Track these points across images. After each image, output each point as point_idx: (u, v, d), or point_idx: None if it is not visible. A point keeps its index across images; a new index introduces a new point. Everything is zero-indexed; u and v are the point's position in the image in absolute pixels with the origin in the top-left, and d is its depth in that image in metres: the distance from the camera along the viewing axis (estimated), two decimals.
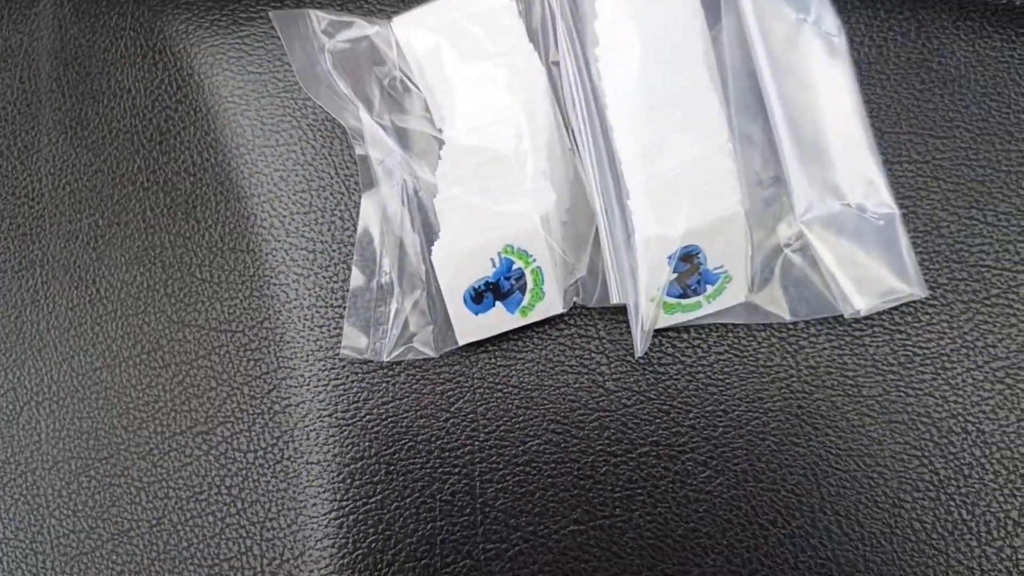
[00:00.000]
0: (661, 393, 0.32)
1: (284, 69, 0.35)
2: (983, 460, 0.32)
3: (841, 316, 0.32)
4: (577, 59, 0.32)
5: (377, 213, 0.31)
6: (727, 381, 0.32)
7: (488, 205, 0.30)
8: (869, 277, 0.31)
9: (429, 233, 0.31)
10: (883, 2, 0.35)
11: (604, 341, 0.33)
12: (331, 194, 0.33)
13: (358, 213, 0.33)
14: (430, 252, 0.30)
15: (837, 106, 0.32)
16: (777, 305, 0.32)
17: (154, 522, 0.33)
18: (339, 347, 0.32)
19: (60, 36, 0.37)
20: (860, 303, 0.31)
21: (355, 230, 0.33)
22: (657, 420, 0.32)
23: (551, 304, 0.31)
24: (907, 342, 0.33)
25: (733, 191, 0.31)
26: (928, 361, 0.33)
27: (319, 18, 0.32)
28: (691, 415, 0.32)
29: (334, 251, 0.33)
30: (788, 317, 0.32)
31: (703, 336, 0.33)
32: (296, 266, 0.33)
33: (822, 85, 0.32)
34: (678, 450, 0.32)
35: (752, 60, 0.32)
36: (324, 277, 0.33)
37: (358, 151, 0.32)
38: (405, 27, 0.32)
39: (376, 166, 0.31)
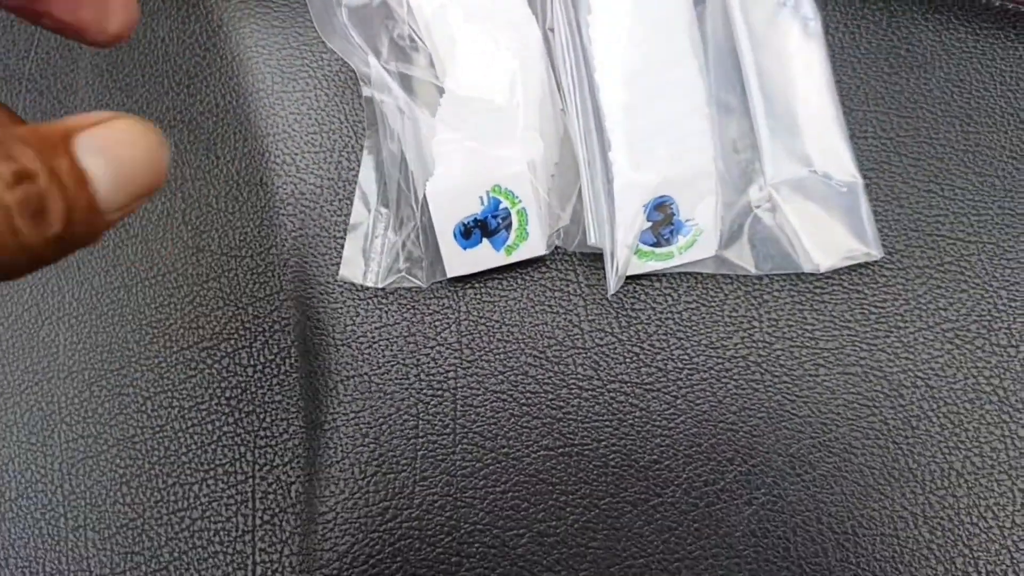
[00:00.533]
0: (632, 336, 0.35)
1: (304, 25, 0.38)
2: (930, 413, 0.34)
3: (803, 274, 0.35)
4: (571, 25, 0.35)
5: (378, 152, 0.34)
6: (694, 328, 0.35)
7: (481, 149, 0.33)
8: (831, 238, 0.34)
9: (425, 172, 0.34)
10: None
11: (582, 285, 0.35)
12: (340, 137, 0.36)
13: (362, 155, 0.36)
14: (425, 189, 0.33)
15: (809, 82, 0.35)
16: (744, 260, 0.35)
17: (157, 429, 0.35)
18: (337, 274, 0.35)
19: None
20: (821, 260, 0.34)
21: (359, 170, 0.36)
22: (627, 360, 0.35)
23: (534, 245, 0.34)
24: (864, 301, 0.35)
25: (706, 149, 0.34)
26: (883, 319, 0.35)
27: None
28: (659, 357, 0.35)
29: (339, 188, 0.36)
30: (754, 271, 0.35)
31: (674, 285, 0.35)
32: (304, 199, 0.36)
33: (797, 62, 0.35)
34: (645, 388, 0.34)
35: (733, 36, 0.36)
36: (328, 211, 0.36)
37: (365, 93, 0.35)
38: None
39: (380, 107, 0.34)
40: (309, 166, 0.36)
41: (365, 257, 0.34)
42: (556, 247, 0.35)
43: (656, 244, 0.34)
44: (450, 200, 0.33)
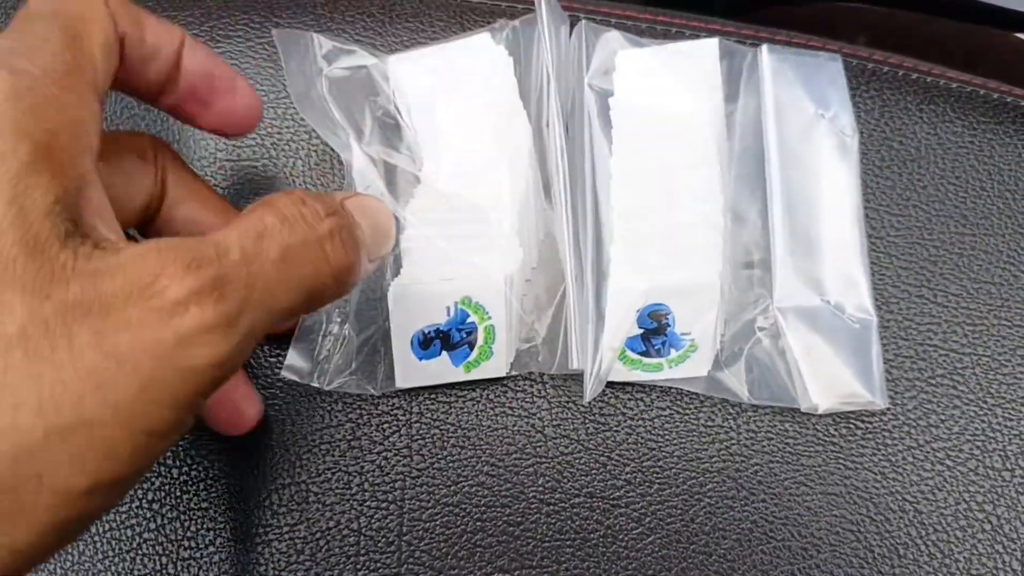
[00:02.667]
0: (600, 444, 0.32)
1: (256, 87, 0.35)
2: (918, 541, 0.32)
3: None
4: (581, 112, 0.32)
5: None
6: (667, 437, 0.32)
7: (455, 253, 0.30)
8: (833, 377, 0.32)
9: (394, 270, 0.31)
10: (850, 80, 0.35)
11: (547, 386, 0.32)
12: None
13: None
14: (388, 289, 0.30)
15: (837, 203, 0.33)
16: (738, 385, 0.32)
17: None
18: (278, 367, 0.32)
19: None
20: (820, 401, 0.31)
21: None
22: (594, 471, 0.32)
23: (497, 365, 0.31)
24: (849, 415, 0.33)
25: (713, 262, 0.31)
26: (869, 435, 0.33)
27: (321, 42, 0.32)
28: (628, 468, 0.32)
29: None
30: (746, 398, 0.32)
31: (647, 390, 0.32)
32: None
33: (827, 180, 0.33)
34: (612, 503, 0.31)
35: (762, 144, 0.33)
36: None
37: (347, 178, 0.31)
38: (402, 63, 0.32)
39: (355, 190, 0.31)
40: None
41: (313, 354, 0.31)
42: (528, 373, 0.32)
43: (645, 353, 0.31)
44: (413, 305, 0.30)
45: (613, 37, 0.33)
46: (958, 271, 0.34)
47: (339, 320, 0.31)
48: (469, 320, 0.30)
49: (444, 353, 0.31)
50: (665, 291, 0.30)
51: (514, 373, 0.32)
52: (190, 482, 0.31)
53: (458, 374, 0.31)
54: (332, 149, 0.34)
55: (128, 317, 0.18)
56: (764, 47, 0.34)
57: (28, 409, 0.18)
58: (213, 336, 0.19)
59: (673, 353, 0.31)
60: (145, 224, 0.27)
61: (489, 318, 0.30)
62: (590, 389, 0.30)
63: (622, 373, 0.31)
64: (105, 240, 0.20)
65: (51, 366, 0.18)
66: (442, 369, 0.31)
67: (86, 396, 0.18)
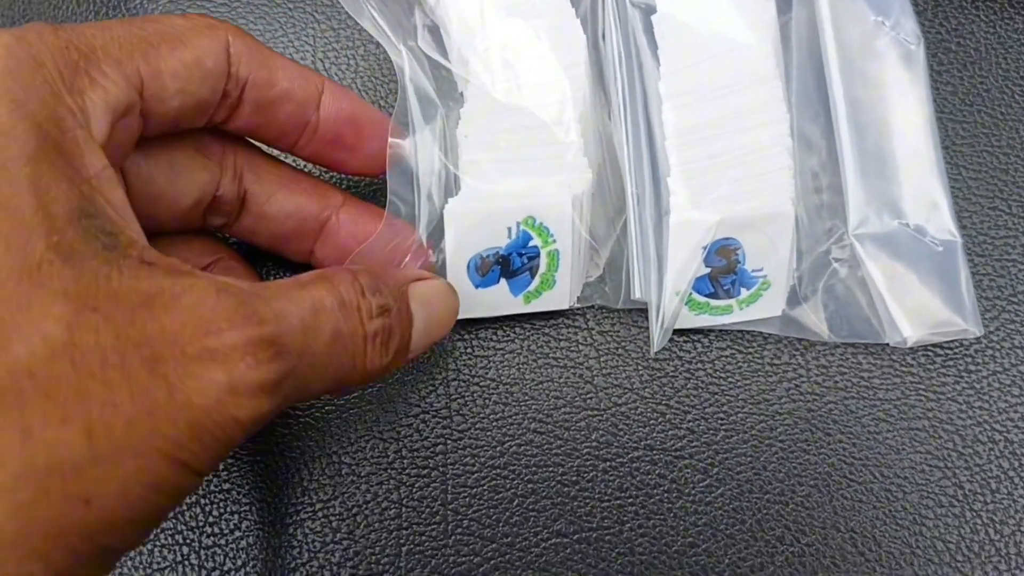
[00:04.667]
0: (656, 391, 0.29)
1: (248, 28, 0.32)
2: (1011, 473, 0.29)
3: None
4: (627, 32, 0.29)
5: (405, 160, 0.28)
6: (730, 380, 0.29)
7: (518, 170, 0.27)
8: (921, 306, 0.29)
9: (447, 188, 0.28)
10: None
11: (594, 332, 0.29)
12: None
13: (338, 178, 0.30)
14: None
15: (908, 118, 0.30)
16: (816, 323, 0.29)
17: None
18: None
19: None
20: (909, 332, 0.28)
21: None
22: (652, 421, 0.29)
23: (559, 296, 0.28)
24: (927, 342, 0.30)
25: (786, 188, 0.28)
26: (950, 363, 0.30)
27: None
28: (690, 416, 0.29)
29: None
30: (827, 337, 0.29)
31: (705, 330, 0.30)
32: None
33: (894, 93, 0.30)
34: (675, 455, 0.29)
35: (821, 57, 0.30)
36: None
37: (400, 88, 0.28)
38: None
39: (414, 112, 0.28)
40: None
41: None
42: (573, 319, 0.29)
43: (713, 295, 0.28)
44: (472, 225, 0.27)
45: None
46: None
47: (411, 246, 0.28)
48: (531, 243, 0.27)
49: (503, 281, 0.28)
50: (734, 224, 0.27)
51: (578, 306, 0.29)
52: None
53: (517, 305, 0.28)
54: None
55: (185, 350, 0.18)
56: None
57: (77, 427, 0.17)
58: (260, 393, 0.19)
59: (744, 293, 0.28)
60: (229, 223, 0.27)
61: (553, 241, 0.27)
62: (657, 339, 0.27)
63: (688, 319, 0.28)
64: (148, 253, 0.19)
65: (102, 384, 0.17)
66: (500, 299, 0.28)
67: (138, 422, 0.17)
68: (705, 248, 0.27)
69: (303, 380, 0.20)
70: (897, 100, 0.30)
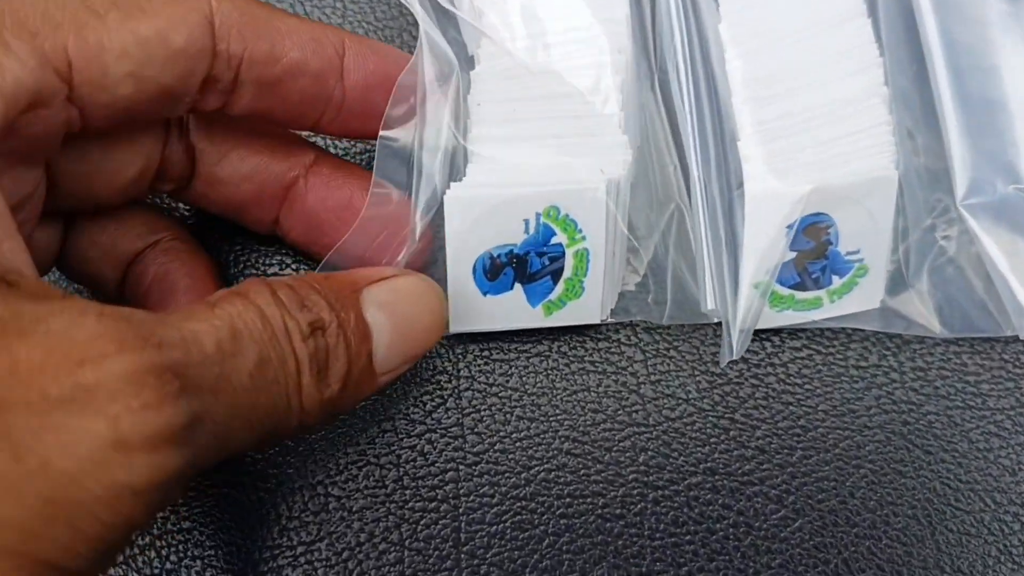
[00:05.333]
0: (717, 402, 0.24)
1: None
2: None
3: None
4: None
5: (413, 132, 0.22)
6: (807, 387, 0.24)
7: (540, 150, 0.22)
8: None
9: (452, 173, 0.22)
10: None
11: (638, 330, 0.24)
12: None
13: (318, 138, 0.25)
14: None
15: (1019, 61, 0.25)
16: (924, 315, 0.24)
17: None
18: None
19: None
20: None
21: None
22: (713, 439, 0.23)
23: (588, 307, 0.23)
24: None
25: (886, 148, 0.23)
26: None
27: None
28: (759, 432, 0.24)
29: None
30: (938, 331, 0.24)
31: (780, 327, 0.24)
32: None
33: (1000, 32, 0.26)
34: (742, 481, 0.23)
35: None
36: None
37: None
38: None
39: (426, 70, 0.22)
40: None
41: None
42: (631, 324, 0.24)
43: (799, 285, 0.23)
44: (479, 216, 0.21)
45: None
46: None
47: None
48: (554, 240, 0.22)
49: (517, 286, 0.22)
50: (827, 196, 0.22)
51: (611, 321, 0.23)
52: None
53: (535, 317, 0.23)
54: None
55: (46, 391, 0.13)
56: None
57: None
58: (162, 445, 0.14)
59: (836, 281, 0.23)
60: (179, 188, 0.22)
61: (583, 238, 0.22)
62: (736, 345, 0.22)
63: (769, 316, 0.24)
64: (14, 273, 0.15)
65: None
66: (513, 309, 0.22)
67: None
68: (791, 227, 0.22)
69: (222, 427, 0.15)
70: (1003, 40, 0.26)
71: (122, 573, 0.23)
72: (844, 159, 0.23)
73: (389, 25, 0.26)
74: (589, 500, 0.23)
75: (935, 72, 0.25)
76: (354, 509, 0.23)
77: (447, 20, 0.24)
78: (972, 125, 0.25)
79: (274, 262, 0.25)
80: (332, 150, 0.25)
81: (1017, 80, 0.25)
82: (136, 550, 0.23)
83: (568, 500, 0.23)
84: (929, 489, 0.24)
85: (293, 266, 0.25)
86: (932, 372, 0.24)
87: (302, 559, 0.22)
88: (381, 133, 0.22)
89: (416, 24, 0.24)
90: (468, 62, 0.23)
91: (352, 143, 0.25)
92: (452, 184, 0.21)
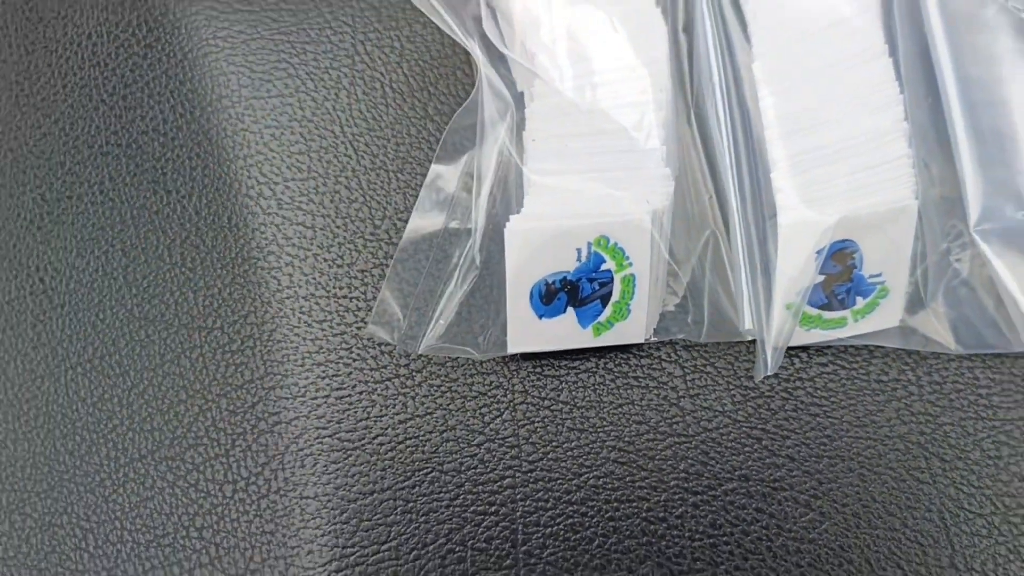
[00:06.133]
0: (751, 414, 0.26)
1: (277, 6, 0.28)
2: None
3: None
4: (716, 20, 0.26)
5: (459, 169, 0.24)
6: (833, 399, 0.26)
7: (590, 185, 0.24)
8: None
9: (508, 203, 0.24)
10: None
11: (678, 348, 0.26)
12: (335, 157, 0.27)
13: (368, 180, 0.27)
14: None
15: None
16: (940, 333, 0.26)
17: (104, 573, 0.26)
18: (344, 347, 0.25)
19: None
20: None
21: (365, 202, 0.26)
22: (747, 448, 0.25)
23: (634, 329, 0.25)
24: None
25: (906, 179, 0.25)
26: None
27: None
28: (789, 442, 0.26)
29: (338, 228, 0.26)
30: (953, 347, 0.26)
31: (807, 344, 0.26)
32: (290, 246, 0.26)
33: (1009, 69, 0.27)
34: (773, 486, 0.25)
35: (923, 30, 0.27)
36: (324, 260, 0.26)
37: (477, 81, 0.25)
38: None
39: (484, 114, 0.24)
40: (295, 199, 0.27)
41: (407, 307, 0.24)
42: (671, 342, 0.26)
43: (827, 306, 0.25)
44: (535, 248, 0.23)
45: None
46: None
47: (443, 269, 0.24)
48: (604, 267, 0.24)
49: (570, 309, 0.24)
50: (854, 224, 0.24)
51: (654, 340, 0.25)
52: (246, 499, 0.25)
53: (585, 338, 0.25)
54: (348, 76, 0.27)
55: None
56: None
57: None
58: None
59: (860, 302, 0.25)
60: None
61: (630, 264, 0.24)
62: (771, 362, 0.24)
63: (799, 335, 0.25)
64: None
65: None
66: (566, 330, 0.24)
67: None
68: (820, 253, 0.24)
69: None
70: (1012, 75, 0.27)
71: (208, 574, 0.25)
72: (869, 190, 0.25)
73: (444, 63, 0.28)
74: (634, 504, 0.25)
75: (949, 107, 0.27)
76: (421, 512, 0.25)
77: (500, 61, 0.26)
78: (984, 156, 0.26)
79: (275, 260, 0.27)
80: (367, 162, 0.27)
81: (1022, 115, 0.27)
82: (222, 551, 0.25)
83: (615, 504, 0.25)
84: (945, 494, 0.26)
85: (294, 265, 0.27)
86: (947, 386, 0.26)
87: (372, 558, 0.25)
88: (434, 166, 0.24)
89: (468, 63, 0.26)
90: (520, 99, 0.25)
91: (399, 169, 0.27)
92: (512, 217, 0.23)
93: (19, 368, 0.28)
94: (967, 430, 0.26)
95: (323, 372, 0.25)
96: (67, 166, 0.29)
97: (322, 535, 0.25)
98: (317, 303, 0.26)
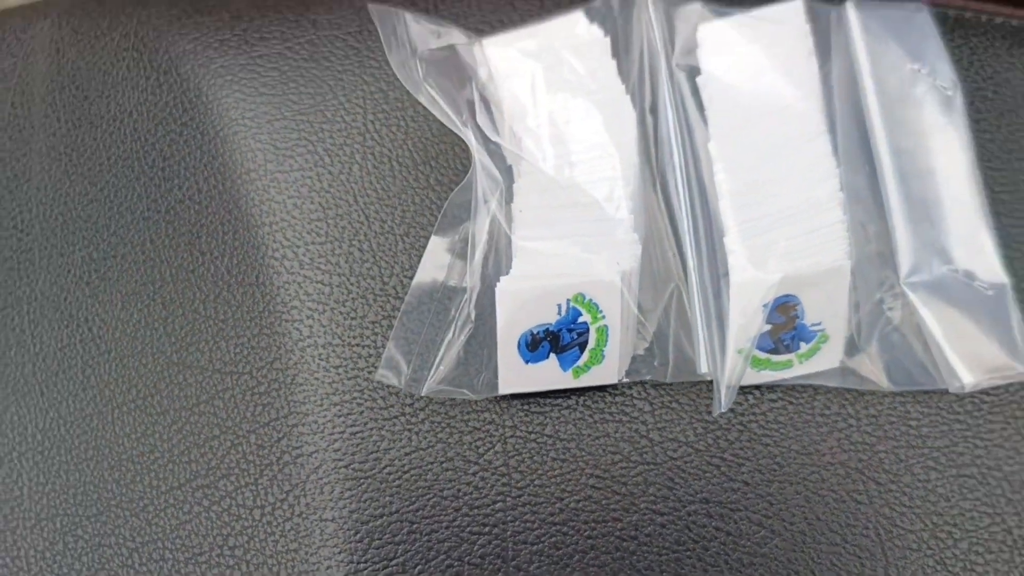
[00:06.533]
0: (710, 444, 0.29)
1: (298, 91, 0.32)
2: None
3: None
4: (678, 105, 0.30)
5: (456, 238, 0.29)
6: (782, 431, 0.30)
7: (569, 249, 0.28)
8: (977, 350, 0.29)
9: (498, 265, 0.28)
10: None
11: (647, 387, 0.30)
12: (349, 223, 0.31)
13: (379, 243, 0.31)
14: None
15: (950, 165, 0.31)
16: (875, 373, 0.30)
17: None
18: (357, 389, 0.29)
19: (57, 59, 0.35)
20: (967, 378, 0.29)
21: (375, 261, 0.30)
22: (707, 474, 0.29)
23: (607, 371, 0.29)
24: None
25: (840, 242, 0.29)
26: (996, 408, 0.30)
27: (408, 21, 0.30)
28: (744, 468, 0.29)
29: (352, 285, 0.30)
30: (886, 386, 0.30)
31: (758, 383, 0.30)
32: (310, 301, 0.30)
33: (935, 141, 0.31)
34: (731, 508, 0.29)
35: (861, 107, 0.31)
36: (340, 313, 0.30)
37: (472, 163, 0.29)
38: (497, 47, 0.30)
39: (479, 191, 0.28)
40: (314, 260, 0.31)
41: (411, 355, 0.28)
42: (641, 382, 0.30)
43: (774, 351, 0.29)
44: (522, 304, 0.27)
45: (693, 9, 0.30)
46: None
47: (443, 320, 0.28)
48: (581, 319, 0.28)
49: (552, 356, 0.28)
50: (794, 281, 0.28)
51: (626, 380, 0.29)
52: (273, 522, 0.29)
53: (566, 380, 0.28)
54: (361, 152, 0.32)
55: None
56: (849, 5, 0.31)
57: None
58: None
59: (803, 347, 0.29)
60: None
61: (603, 318, 0.28)
62: (724, 399, 0.28)
63: (751, 375, 0.29)
64: None
65: None
66: (549, 374, 0.28)
67: None
68: (766, 306, 0.28)
69: None
70: (939, 147, 0.31)
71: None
72: (808, 252, 0.29)
73: (444, 140, 0.32)
74: (609, 524, 0.29)
75: (883, 175, 0.30)
76: (424, 532, 0.28)
77: (491, 145, 0.30)
78: (913, 217, 0.30)
79: (297, 313, 0.31)
80: (376, 227, 0.31)
81: (947, 181, 0.30)
82: (251, 567, 0.28)
83: (593, 525, 0.29)
84: (880, 514, 0.29)
85: (313, 318, 0.30)
86: (882, 418, 0.30)
87: (382, 573, 0.28)
88: (434, 237, 0.28)
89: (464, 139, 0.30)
90: (508, 172, 0.30)
91: (405, 233, 0.31)
92: (502, 278, 0.27)
93: (71, 407, 0.31)
94: (899, 457, 0.30)
95: (339, 411, 0.29)
96: (112, 229, 0.33)
97: (339, 553, 0.28)
98: (334, 351, 0.30)
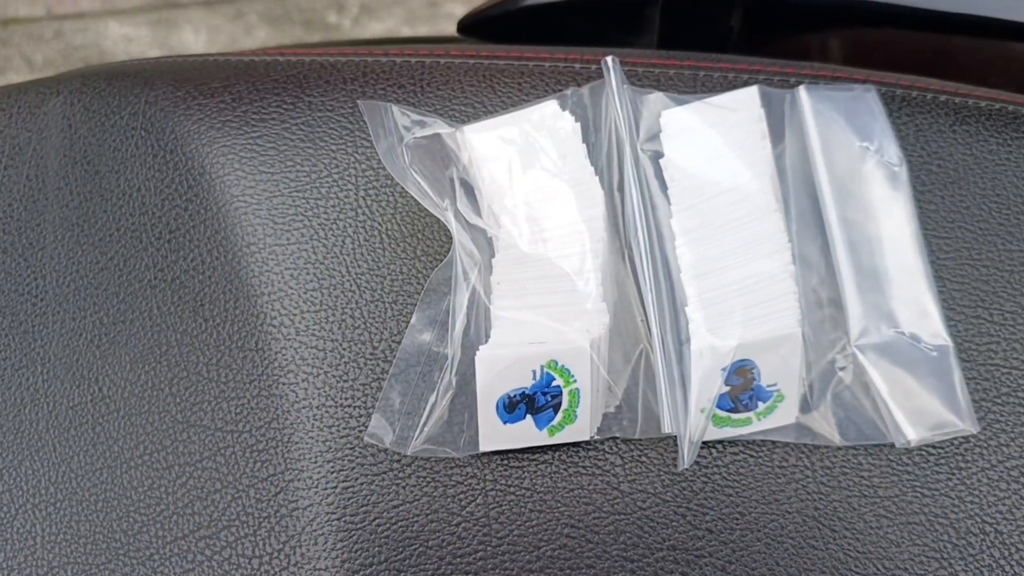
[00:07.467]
0: (677, 495, 0.32)
1: (295, 169, 0.35)
2: (1002, 563, 0.32)
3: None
4: (642, 184, 0.33)
5: (439, 310, 0.31)
6: (743, 482, 0.32)
7: (542, 319, 0.31)
8: (921, 408, 0.32)
9: (478, 334, 0.31)
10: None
11: (618, 442, 0.32)
12: (342, 292, 0.33)
13: (369, 311, 0.33)
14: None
15: (896, 235, 0.33)
16: (827, 428, 0.32)
17: None
18: (348, 447, 0.32)
19: (69, 135, 0.38)
20: (912, 434, 0.31)
21: (366, 328, 0.33)
22: (673, 523, 0.32)
23: (580, 429, 0.31)
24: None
25: (792, 311, 0.31)
26: (943, 460, 0.33)
27: (396, 114, 0.33)
28: (708, 517, 0.32)
29: (344, 350, 0.33)
30: (838, 440, 0.32)
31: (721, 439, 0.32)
32: (305, 365, 0.33)
33: (882, 213, 0.33)
34: (696, 554, 0.31)
35: (813, 183, 0.33)
36: (333, 376, 0.32)
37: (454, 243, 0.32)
38: (477, 134, 0.33)
39: (459, 268, 0.31)
40: (309, 327, 0.33)
41: (397, 418, 0.31)
42: (612, 438, 0.32)
43: (733, 409, 0.31)
44: (500, 370, 0.30)
45: (656, 98, 0.33)
46: (1011, 288, 0.34)
47: (426, 385, 0.31)
48: (554, 384, 0.30)
49: (528, 417, 0.31)
50: (750, 347, 0.31)
51: (597, 437, 0.32)
52: (271, 571, 0.31)
53: (542, 438, 0.31)
54: (353, 226, 0.34)
55: None
56: (801, 90, 0.34)
57: None
58: None
59: (761, 406, 0.31)
60: None
61: (574, 381, 0.30)
62: (687, 455, 0.30)
63: (712, 432, 0.31)
64: None
65: None
66: (526, 432, 0.31)
67: None
68: (724, 369, 0.31)
69: None
70: (885, 218, 0.33)
71: None
72: (762, 320, 0.31)
73: (430, 214, 0.34)
74: (583, 571, 0.31)
75: (834, 244, 0.33)
76: None
77: (471, 226, 0.32)
78: (862, 284, 0.32)
79: (293, 377, 0.33)
80: (367, 296, 0.34)
81: (893, 251, 0.33)
82: None
83: (568, 571, 0.31)
84: (835, 558, 0.32)
85: (308, 380, 0.33)
86: (836, 470, 0.32)
87: None
88: (417, 310, 0.31)
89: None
90: (489, 246, 0.32)
91: (393, 301, 0.34)
92: (481, 346, 0.30)
93: (81, 462, 0.34)
94: (852, 506, 0.32)
95: (332, 468, 0.32)
96: (121, 296, 0.35)
97: None
98: (327, 412, 0.32)
